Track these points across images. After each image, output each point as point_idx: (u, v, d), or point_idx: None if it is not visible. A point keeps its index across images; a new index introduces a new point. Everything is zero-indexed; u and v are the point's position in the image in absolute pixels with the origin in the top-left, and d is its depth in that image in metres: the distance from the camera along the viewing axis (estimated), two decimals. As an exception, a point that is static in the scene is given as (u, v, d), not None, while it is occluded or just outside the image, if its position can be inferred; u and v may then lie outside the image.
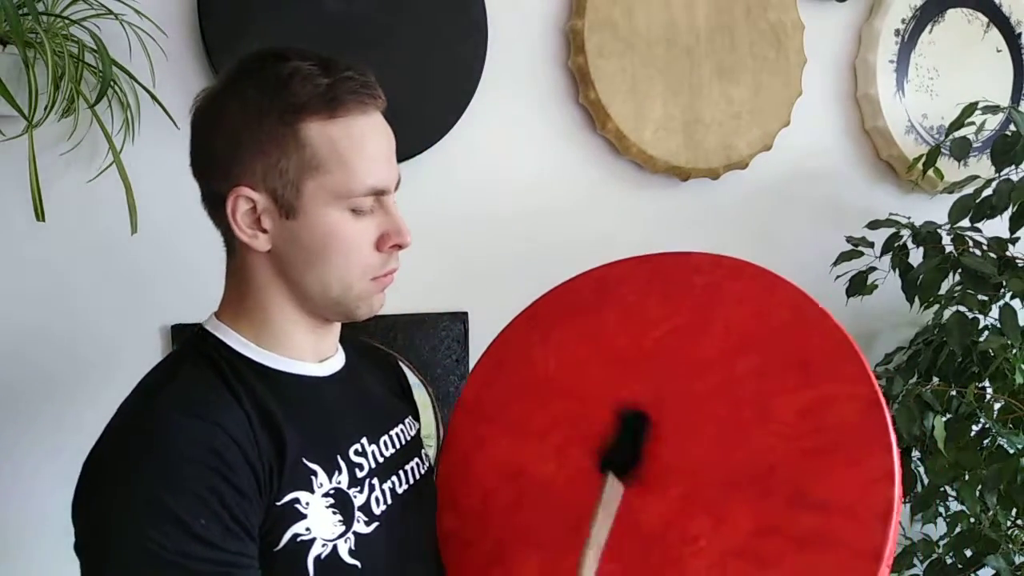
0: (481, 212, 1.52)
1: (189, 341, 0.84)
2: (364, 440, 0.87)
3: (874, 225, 1.66)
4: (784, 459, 0.82)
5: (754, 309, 0.92)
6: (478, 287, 1.51)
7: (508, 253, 1.55)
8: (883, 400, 0.81)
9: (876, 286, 1.64)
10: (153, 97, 1.24)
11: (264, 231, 0.79)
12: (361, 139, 0.79)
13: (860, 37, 1.83)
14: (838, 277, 1.65)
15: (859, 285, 1.63)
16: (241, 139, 0.78)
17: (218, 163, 0.80)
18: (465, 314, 1.50)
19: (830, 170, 1.83)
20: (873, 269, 1.64)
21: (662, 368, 0.93)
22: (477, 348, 1.51)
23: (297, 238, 0.79)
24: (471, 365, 1.51)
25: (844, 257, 1.63)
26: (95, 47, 1.13)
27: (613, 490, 0.88)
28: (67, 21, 1.15)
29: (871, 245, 1.64)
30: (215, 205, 0.82)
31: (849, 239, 1.65)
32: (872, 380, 0.82)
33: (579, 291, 1.05)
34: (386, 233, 0.81)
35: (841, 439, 0.80)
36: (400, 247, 0.83)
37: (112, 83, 1.16)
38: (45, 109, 1.09)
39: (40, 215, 1.10)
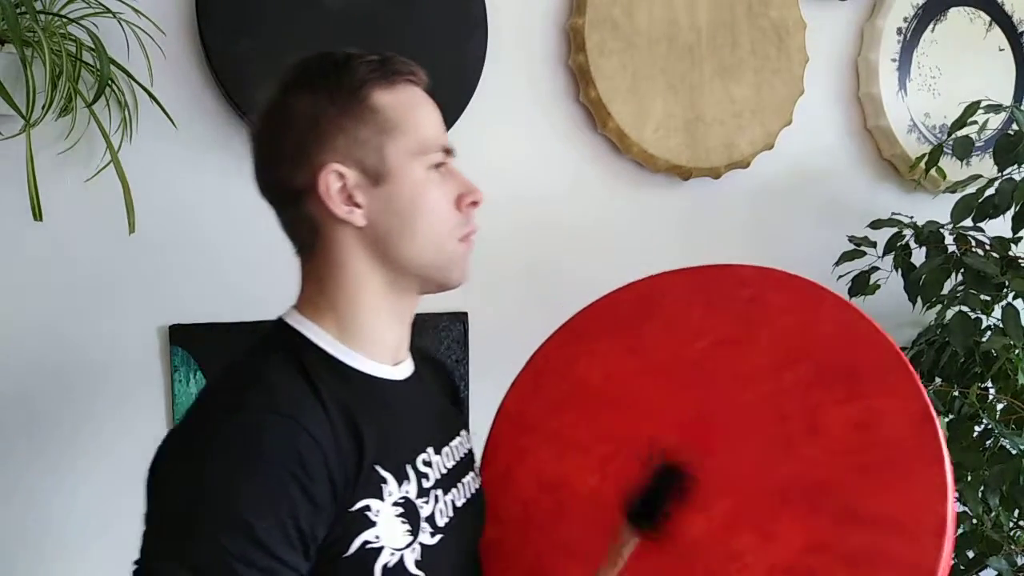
0: (481, 211, 1.51)
1: (272, 334, 0.84)
2: (430, 449, 0.87)
3: (876, 225, 1.66)
4: (834, 474, 0.80)
5: (801, 321, 0.90)
6: (478, 287, 1.50)
7: (508, 253, 1.54)
8: (935, 414, 0.79)
9: (878, 286, 1.64)
10: (151, 96, 1.24)
11: (358, 206, 0.81)
12: (421, 103, 0.85)
13: (862, 36, 1.82)
14: (840, 277, 1.64)
15: (861, 285, 1.63)
16: (318, 122, 0.80)
17: (295, 156, 0.81)
18: (465, 314, 1.50)
19: (832, 169, 1.83)
20: (875, 269, 1.64)
21: (707, 379, 0.92)
22: (477, 348, 1.50)
23: (390, 203, 0.81)
24: (471, 365, 1.50)
25: (846, 257, 1.62)
26: (93, 46, 1.13)
27: (629, 541, 0.87)
28: (65, 20, 1.15)
29: (873, 245, 1.63)
30: (296, 200, 0.82)
31: (851, 239, 1.65)
32: (923, 394, 0.80)
33: (622, 304, 1.04)
34: (461, 193, 0.86)
35: (892, 454, 0.78)
36: (476, 204, 0.87)
37: (110, 82, 1.15)
38: (43, 108, 1.09)
39: (38, 214, 1.09)
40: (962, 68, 1.87)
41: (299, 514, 0.70)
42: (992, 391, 1.53)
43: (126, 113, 1.22)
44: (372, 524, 0.76)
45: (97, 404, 1.28)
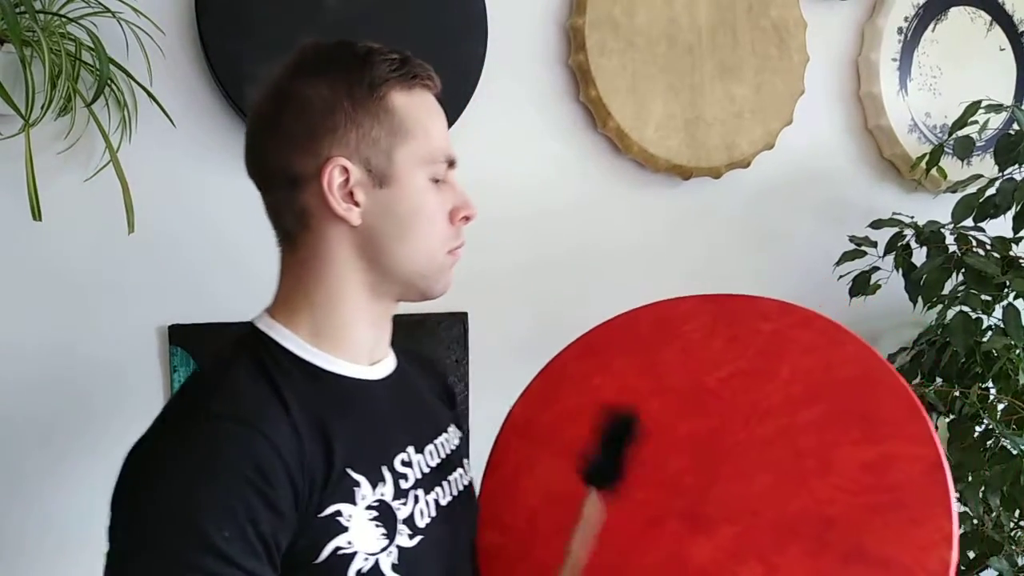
0: (481, 211, 1.51)
1: (241, 340, 0.82)
2: (411, 449, 0.86)
3: (877, 225, 1.65)
4: (844, 513, 0.81)
5: (821, 360, 0.91)
6: (478, 287, 1.51)
7: (508, 253, 1.54)
8: (946, 463, 0.80)
9: (879, 286, 1.63)
10: (150, 95, 1.24)
11: (357, 204, 0.80)
12: (434, 111, 0.84)
13: (863, 35, 1.82)
14: (841, 277, 1.64)
15: (862, 285, 1.62)
16: (333, 113, 0.78)
17: (302, 142, 0.79)
18: (465, 314, 1.49)
19: (833, 169, 1.82)
20: (876, 269, 1.63)
21: (722, 408, 0.93)
22: (476, 348, 1.50)
23: (390, 208, 0.80)
24: (471, 365, 1.50)
25: (847, 257, 1.62)
26: (92, 45, 1.13)
27: (594, 507, 0.87)
28: (64, 19, 1.15)
29: (874, 245, 1.63)
30: (292, 187, 0.80)
31: (852, 239, 1.65)
32: (936, 442, 0.81)
33: (639, 324, 1.05)
34: (456, 206, 0.85)
35: (904, 498, 0.80)
36: (468, 219, 0.86)
37: (109, 82, 1.15)
38: (42, 108, 1.09)
39: (37, 214, 1.09)
40: (963, 68, 1.87)
41: (259, 520, 0.69)
42: (993, 391, 1.53)
43: (125, 113, 1.22)
44: (344, 529, 0.75)
45: (96, 404, 1.28)
